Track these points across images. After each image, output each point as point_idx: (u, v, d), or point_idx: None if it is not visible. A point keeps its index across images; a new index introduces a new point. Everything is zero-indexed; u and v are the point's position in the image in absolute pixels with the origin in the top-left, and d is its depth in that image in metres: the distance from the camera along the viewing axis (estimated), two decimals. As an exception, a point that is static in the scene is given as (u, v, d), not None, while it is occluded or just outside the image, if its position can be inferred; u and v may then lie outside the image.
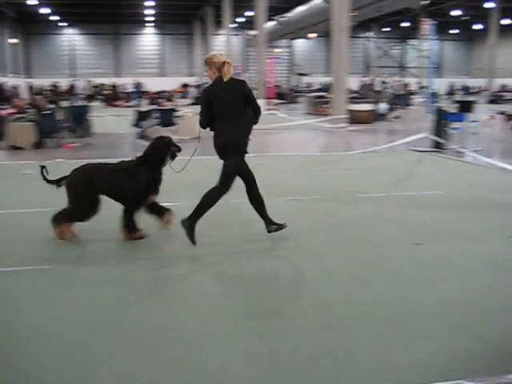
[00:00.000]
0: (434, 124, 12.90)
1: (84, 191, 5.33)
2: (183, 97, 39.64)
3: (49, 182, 5.62)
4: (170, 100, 31.93)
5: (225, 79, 5.06)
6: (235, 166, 5.25)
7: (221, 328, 3.58)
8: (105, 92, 39.60)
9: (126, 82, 43.28)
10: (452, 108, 14.44)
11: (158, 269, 4.73)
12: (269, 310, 3.88)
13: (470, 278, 4.45)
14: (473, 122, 13.34)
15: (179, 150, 5.59)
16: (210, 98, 5.13)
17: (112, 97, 36.26)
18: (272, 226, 5.52)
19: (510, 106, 35.96)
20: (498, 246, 5.33)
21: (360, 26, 49.14)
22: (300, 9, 37.77)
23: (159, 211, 5.55)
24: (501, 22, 44.27)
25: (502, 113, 18.02)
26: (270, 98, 29.11)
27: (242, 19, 46.55)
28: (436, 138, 12.51)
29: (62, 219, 5.43)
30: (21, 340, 3.46)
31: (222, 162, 5.30)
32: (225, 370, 3.08)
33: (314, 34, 45.19)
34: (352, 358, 3.20)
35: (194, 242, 5.24)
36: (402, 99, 29.20)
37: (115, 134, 16.88)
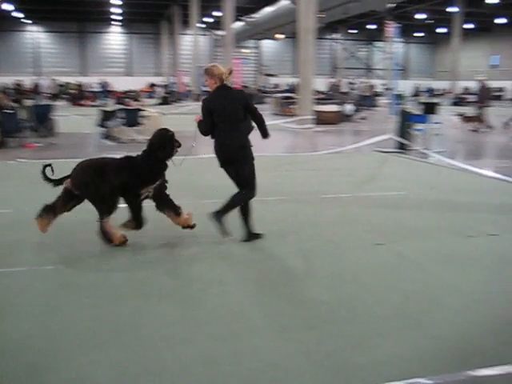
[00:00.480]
0: (398, 125, 13.08)
1: (101, 183, 5.12)
2: (150, 97, 39.33)
3: (49, 180, 5.35)
4: (136, 100, 31.63)
5: (226, 88, 5.29)
6: (251, 169, 5.39)
7: (182, 331, 3.57)
8: (70, 91, 39.02)
9: (92, 81, 42.72)
10: (416, 110, 14.67)
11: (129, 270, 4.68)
12: (229, 312, 3.86)
13: (429, 278, 4.52)
14: (436, 123, 13.56)
15: (180, 145, 5.57)
16: (211, 109, 5.24)
17: (78, 96, 35.73)
18: (248, 235, 5.50)
19: (472, 108, 36.79)
20: (458, 246, 5.43)
21: (327, 28, 49.60)
22: (267, 10, 37.86)
23: (174, 207, 5.48)
24: (463, 26, 45.19)
25: (461, 115, 18.29)
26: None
27: (210, 19, 46.43)
28: (400, 139, 12.68)
29: (103, 223, 5.14)
30: None
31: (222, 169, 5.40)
32: (186, 372, 3.07)
33: (282, 35, 45.33)
34: (312, 358, 3.21)
35: (227, 235, 5.31)
36: (367, 100, 29.53)
37: (80, 133, 16.62)
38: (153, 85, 47.12)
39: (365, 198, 7.60)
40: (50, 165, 5.44)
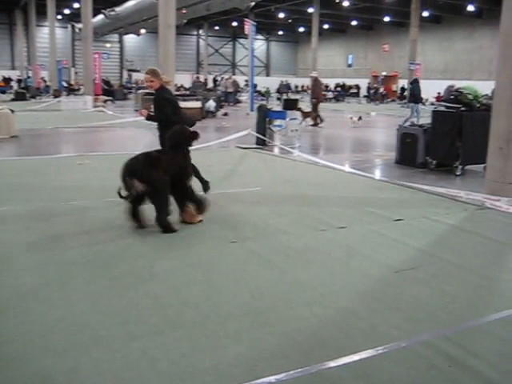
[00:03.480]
0: (257, 121, 13.29)
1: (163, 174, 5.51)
2: (3, 92, 36.87)
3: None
4: (-13, 95, 29.52)
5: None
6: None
7: (15, 348, 3.27)
8: None
9: None
10: (277, 106, 15.03)
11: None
12: (72, 322, 3.62)
13: (279, 274, 4.56)
14: (293, 119, 13.98)
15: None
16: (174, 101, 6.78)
17: None
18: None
19: (331, 104, 38.61)
20: (309, 240, 5.56)
21: (192, 24, 49.44)
22: (130, 3, 36.91)
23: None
24: (323, 27, 47.31)
25: (298, 109, 17.94)
26: (97, 95, 28.10)
27: (70, 11, 44.44)
28: (259, 136, 12.90)
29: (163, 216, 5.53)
30: None
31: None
32: None
33: (143, 30, 44.53)
34: (156, 367, 3.08)
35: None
36: (231, 97, 29.87)
37: None
38: (8, 79, 44.21)
39: (223, 194, 7.58)
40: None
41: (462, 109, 9.60)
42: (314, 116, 19.50)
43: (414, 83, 19.63)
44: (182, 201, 5.95)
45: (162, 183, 5.50)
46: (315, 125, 19.35)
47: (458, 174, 9.60)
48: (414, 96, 19.36)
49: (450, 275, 4.65)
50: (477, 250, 5.39)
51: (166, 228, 5.60)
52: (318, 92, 19.90)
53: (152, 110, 6.83)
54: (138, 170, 5.45)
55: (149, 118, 6.85)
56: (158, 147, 6.44)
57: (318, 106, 19.67)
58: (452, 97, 10.12)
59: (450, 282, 4.47)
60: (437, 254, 5.22)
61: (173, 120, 6.45)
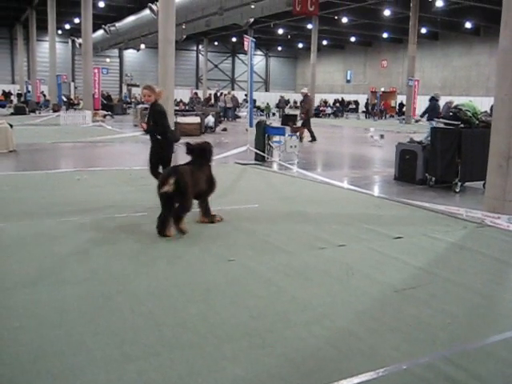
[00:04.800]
0: (256, 137, 13.29)
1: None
2: (2, 106, 36.96)
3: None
4: (-14, 109, 29.57)
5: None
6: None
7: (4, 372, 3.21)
8: None
9: None
10: (276, 121, 15.02)
11: None
12: (66, 343, 3.55)
13: (278, 293, 4.50)
14: (292, 135, 13.97)
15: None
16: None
17: None
18: None
19: (330, 119, 38.72)
20: (308, 258, 5.50)
21: (191, 39, 49.75)
22: (130, 19, 37.18)
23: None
24: (322, 43, 47.61)
25: (287, 124, 17.75)
26: (96, 110, 28.15)
27: (70, 26, 44.70)
28: (258, 151, 12.89)
29: (180, 218, 6.14)
30: None
31: None
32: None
33: (142, 45, 44.77)
34: (151, 389, 3.03)
35: None
36: (230, 112, 29.93)
37: None
38: (8, 93, 44.33)
39: (220, 211, 7.49)
40: None
41: (461, 126, 9.60)
42: (310, 131, 19.50)
43: (434, 100, 18.25)
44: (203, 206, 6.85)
45: (190, 194, 6.27)
46: (313, 140, 19.35)
47: (457, 190, 9.57)
48: (435, 113, 18.01)
49: (451, 294, 4.59)
50: (477, 269, 5.33)
51: (179, 225, 6.15)
52: (308, 108, 19.89)
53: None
54: (177, 172, 6.14)
55: (148, 130, 7.51)
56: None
57: (309, 121, 19.65)
58: (451, 114, 10.13)
59: (451, 302, 4.41)
60: (437, 272, 5.17)
61: (168, 132, 7.49)
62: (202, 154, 6.72)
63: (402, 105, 42.31)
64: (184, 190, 6.07)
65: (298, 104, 50.22)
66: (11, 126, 14.53)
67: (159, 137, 7.35)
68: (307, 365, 3.33)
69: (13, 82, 49.34)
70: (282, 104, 41.53)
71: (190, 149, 6.70)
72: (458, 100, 16.85)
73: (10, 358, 3.33)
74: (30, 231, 6.30)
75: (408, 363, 3.37)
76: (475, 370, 3.31)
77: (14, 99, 41.68)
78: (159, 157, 7.48)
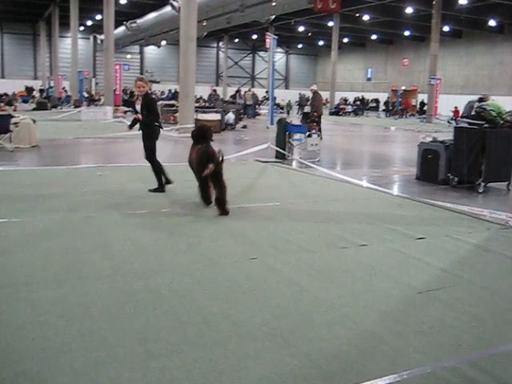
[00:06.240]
0: (277, 135, 13.26)
1: None
2: (25, 101, 37.35)
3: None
4: (10, 104, 29.93)
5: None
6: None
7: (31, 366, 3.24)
8: None
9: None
10: (297, 119, 14.97)
11: None
12: (90, 339, 3.57)
13: (299, 292, 4.48)
14: (313, 133, 13.91)
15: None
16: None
17: None
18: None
19: (350, 118, 38.52)
20: (330, 258, 5.48)
21: (212, 36, 49.82)
22: (151, 16, 37.31)
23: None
24: (342, 40, 47.36)
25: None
26: (117, 105, 28.32)
27: (92, 22, 45.02)
28: (278, 149, 12.86)
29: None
30: None
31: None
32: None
33: (163, 42, 44.92)
34: (175, 387, 3.03)
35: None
36: (250, 109, 29.90)
37: None
38: (30, 89, 44.78)
39: (241, 209, 7.52)
40: None
41: (486, 125, 9.48)
42: (318, 129, 19.27)
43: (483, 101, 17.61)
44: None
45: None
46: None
47: (480, 191, 9.46)
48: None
49: (475, 297, 4.54)
50: (502, 272, 5.26)
51: (225, 206, 7.12)
52: (317, 105, 19.54)
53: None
54: (211, 157, 7.10)
55: (146, 122, 8.25)
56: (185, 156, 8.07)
57: (319, 119, 19.38)
58: (475, 113, 10.00)
59: (476, 305, 4.36)
60: (460, 274, 5.11)
61: (159, 119, 8.57)
62: (207, 136, 7.54)
63: (423, 103, 41.94)
64: (220, 170, 7.08)
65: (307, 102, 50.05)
66: (34, 121, 14.67)
67: (157, 124, 8.35)
68: (330, 366, 3.31)
69: (35, 78, 49.83)
70: (304, 102, 41.30)
71: (200, 133, 7.59)
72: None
73: (35, 352, 3.36)
74: (52, 226, 6.36)
75: (432, 367, 3.33)
76: (501, 375, 3.26)
77: (37, 95, 42.08)
78: (153, 143, 8.42)
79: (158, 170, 8.49)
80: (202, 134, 7.60)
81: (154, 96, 8.41)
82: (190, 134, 7.79)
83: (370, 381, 3.14)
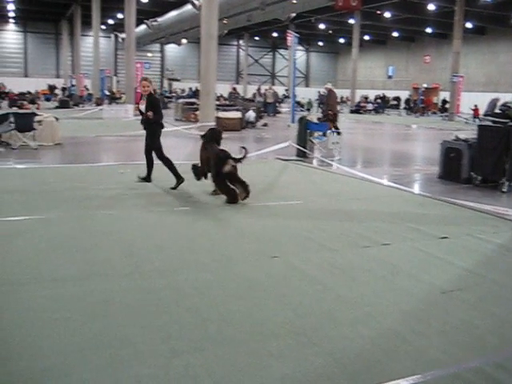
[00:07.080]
0: (298, 133, 13.23)
1: None
2: (48, 99, 37.75)
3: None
4: (33, 102, 30.27)
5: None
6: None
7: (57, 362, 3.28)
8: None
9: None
10: (317, 117, 14.92)
11: None
12: (112, 336, 3.59)
13: (322, 291, 4.47)
14: (334, 131, 13.86)
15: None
16: None
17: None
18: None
19: (372, 116, 38.28)
20: (352, 256, 5.46)
21: (232, 34, 49.86)
22: (172, 14, 37.45)
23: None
24: (363, 38, 47.04)
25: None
26: (138, 103, 28.48)
27: (113, 21, 45.33)
28: (300, 147, 12.83)
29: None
30: None
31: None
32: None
33: (184, 40, 45.05)
34: (198, 384, 3.04)
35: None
36: (270, 107, 29.86)
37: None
38: (52, 87, 45.27)
39: (263, 207, 7.53)
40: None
41: (510, 124, 9.35)
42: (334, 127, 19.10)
43: None
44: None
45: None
46: None
47: (504, 190, 9.33)
48: None
49: (500, 298, 4.48)
50: (527, 272, 5.20)
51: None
52: (332, 104, 19.29)
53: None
54: (229, 155, 7.67)
55: (154, 120, 8.44)
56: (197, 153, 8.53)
57: (335, 118, 19.15)
58: (500, 111, 9.87)
59: (500, 305, 4.31)
60: (484, 274, 5.06)
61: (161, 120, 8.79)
62: (218, 138, 8.33)
63: (444, 101, 41.51)
64: (235, 170, 7.63)
65: (339, 100, 49.89)
66: (57, 119, 14.82)
67: (160, 123, 8.63)
68: (354, 365, 3.29)
69: (57, 76, 50.36)
70: (324, 100, 41.05)
71: (214, 135, 8.37)
72: (503, 97, 16.49)
73: (59, 348, 3.40)
74: (75, 223, 6.41)
75: (456, 367, 3.31)
76: (527, 377, 3.23)
77: (59, 93, 42.53)
78: (159, 142, 8.76)
79: (169, 165, 8.78)
80: (215, 137, 8.29)
81: (158, 96, 8.59)
82: (201, 135, 8.47)
83: (393, 380, 3.13)
